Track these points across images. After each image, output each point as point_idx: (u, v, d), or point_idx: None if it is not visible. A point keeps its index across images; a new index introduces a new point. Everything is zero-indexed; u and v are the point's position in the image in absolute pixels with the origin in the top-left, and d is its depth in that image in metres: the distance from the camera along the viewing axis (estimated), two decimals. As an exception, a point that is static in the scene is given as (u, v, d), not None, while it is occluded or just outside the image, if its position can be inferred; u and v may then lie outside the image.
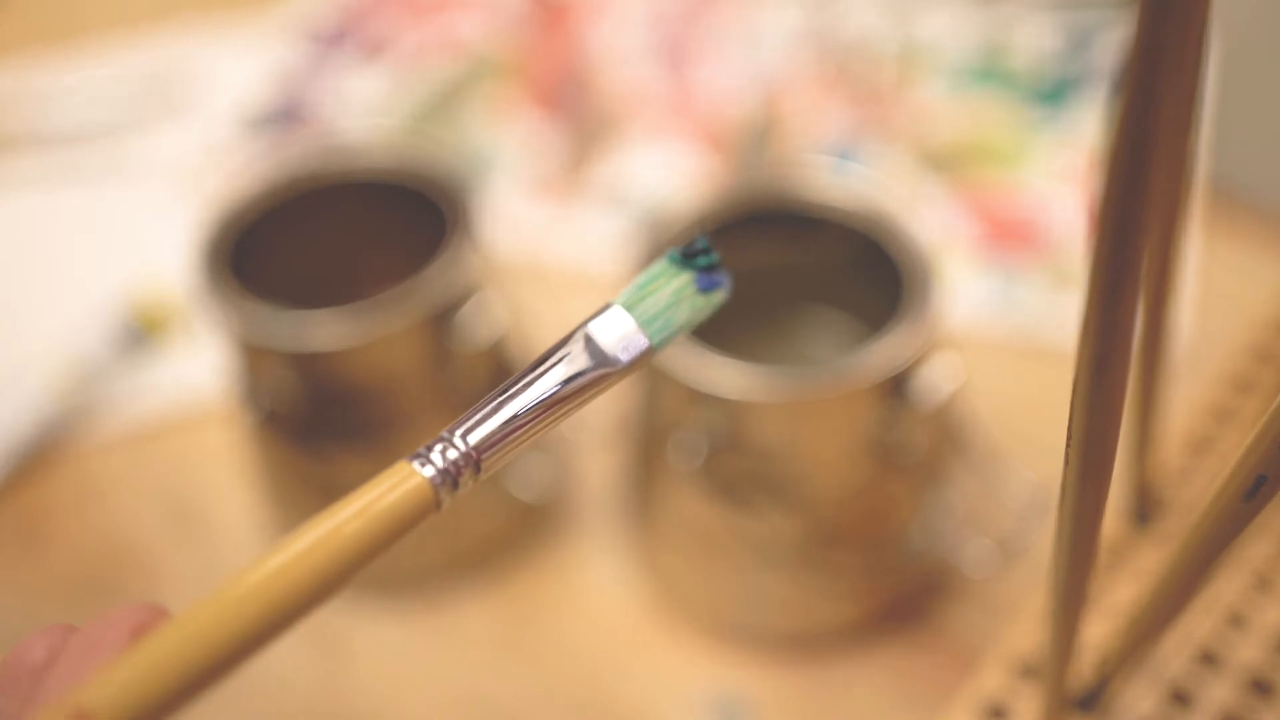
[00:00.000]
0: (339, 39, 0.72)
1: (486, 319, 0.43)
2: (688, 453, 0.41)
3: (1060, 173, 0.61)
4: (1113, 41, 0.66)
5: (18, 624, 0.47)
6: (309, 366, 0.42)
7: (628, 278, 0.27)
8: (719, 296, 0.29)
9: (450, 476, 0.24)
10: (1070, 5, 0.68)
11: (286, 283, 0.45)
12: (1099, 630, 0.35)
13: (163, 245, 0.59)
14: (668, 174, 0.63)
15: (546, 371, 0.26)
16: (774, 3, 0.70)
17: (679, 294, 0.28)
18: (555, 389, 0.26)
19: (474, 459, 0.24)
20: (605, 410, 0.50)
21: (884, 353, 0.39)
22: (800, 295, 0.48)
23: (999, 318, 0.56)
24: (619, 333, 0.27)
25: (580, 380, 0.26)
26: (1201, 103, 0.26)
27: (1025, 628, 0.36)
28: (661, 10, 0.71)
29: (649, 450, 0.44)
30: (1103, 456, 0.23)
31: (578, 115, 0.66)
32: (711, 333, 0.41)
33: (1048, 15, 0.68)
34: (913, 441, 0.41)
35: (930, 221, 0.58)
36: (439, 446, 0.24)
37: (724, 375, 0.39)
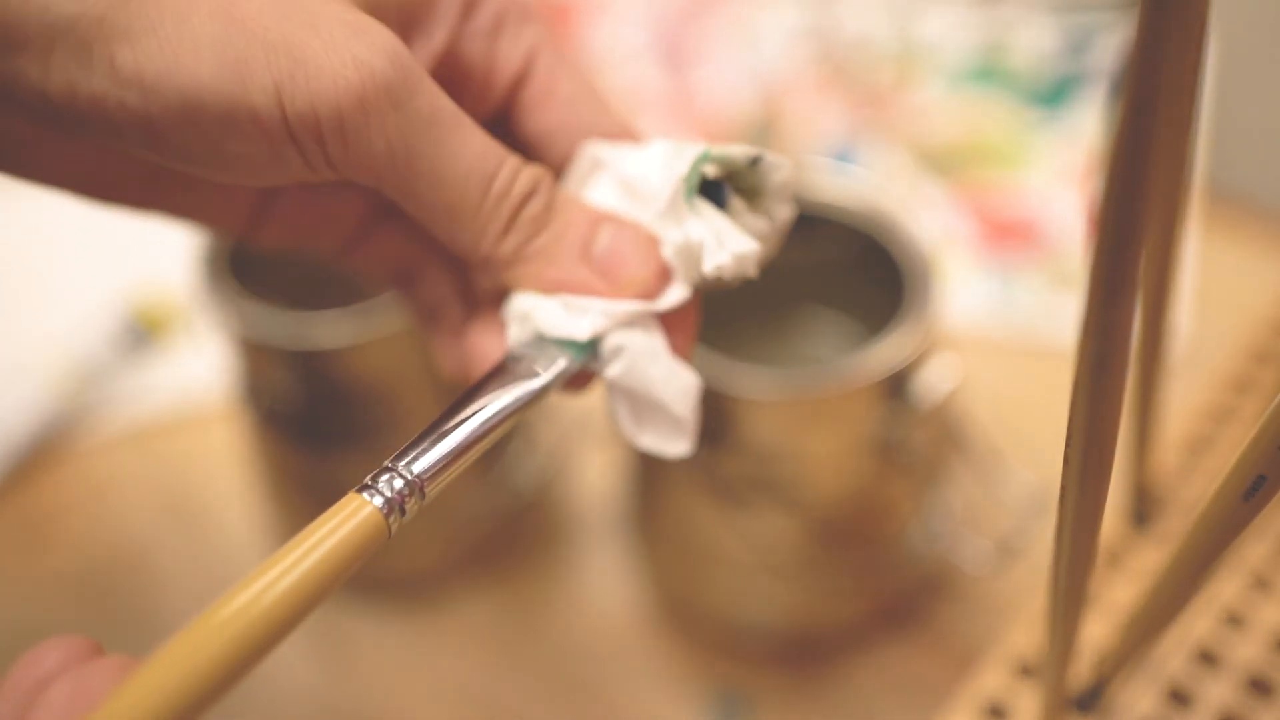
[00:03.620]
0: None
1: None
2: (689, 456, 0.41)
3: (1060, 173, 0.61)
4: (1112, 42, 0.67)
5: (18, 623, 0.47)
6: (310, 366, 0.42)
7: None
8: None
9: (397, 505, 0.25)
10: (1070, 6, 0.68)
11: (288, 282, 0.45)
12: (1098, 630, 0.35)
13: (164, 245, 0.59)
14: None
15: (477, 395, 0.27)
16: (774, 3, 0.70)
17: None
18: (486, 411, 0.27)
19: (419, 486, 0.25)
20: (605, 413, 0.50)
21: (883, 353, 0.39)
22: (800, 295, 0.48)
23: (998, 318, 0.56)
24: (543, 351, 0.28)
25: (508, 397, 0.27)
26: (1201, 103, 0.26)
27: (1025, 627, 0.36)
28: (661, 10, 0.71)
29: (650, 455, 0.44)
30: (1102, 457, 0.23)
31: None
32: (712, 333, 0.41)
33: (1047, 16, 0.68)
34: (912, 441, 0.41)
35: (929, 222, 0.58)
36: (385, 476, 0.25)
37: (724, 375, 0.39)
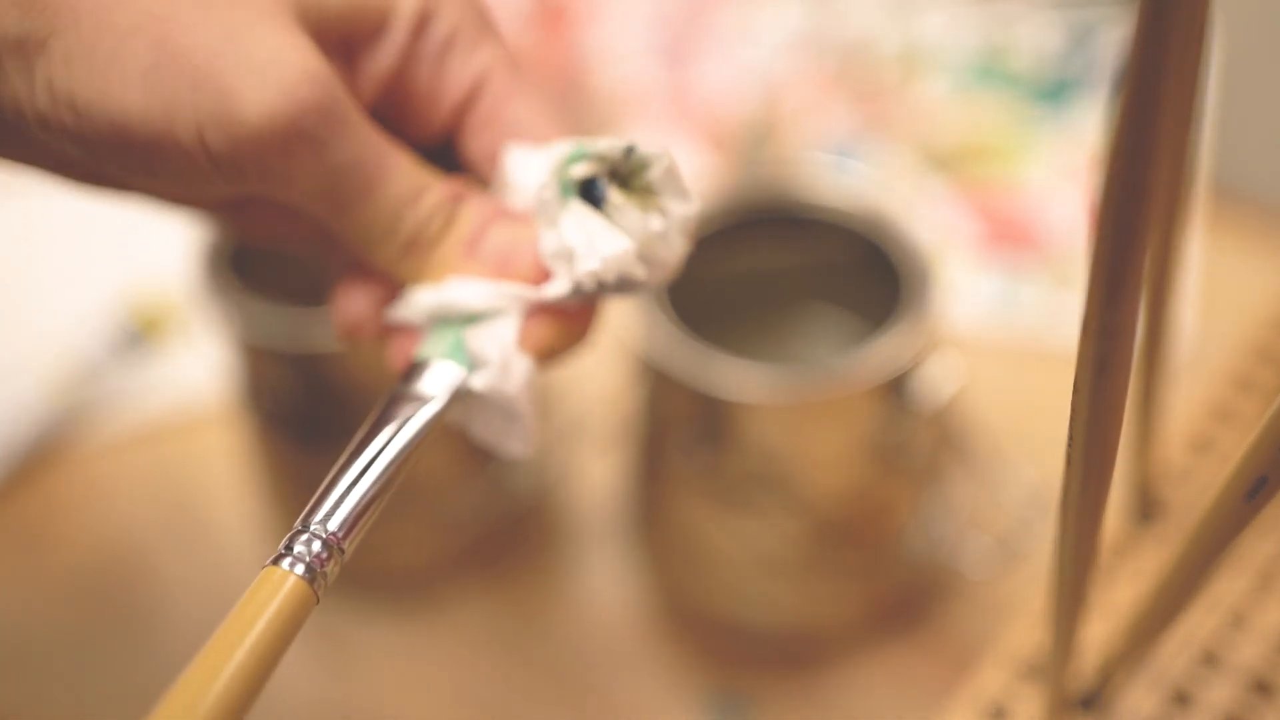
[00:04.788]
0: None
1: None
2: (688, 454, 0.41)
3: (1063, 171, 0.61)
4: (1115, 38, 0.66)
5: (17, 626, 0.47)
6: (311, 367, 0.42)
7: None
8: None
9: (319, 570, 0.24)
10: (1071, 3, 0.68)
11: (288, 282, 0.45)
12: (1100, 630, 0.35)
13: (160, 245, 0.59)
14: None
15: (375, 435, 0.26)
16: (774, 2, 0.70)
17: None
18: (391, 449, 0.26)
19: (337, 543, 0.24)
20: (605, 413, 0.50)
21: (885, 354, 0.39)
22: (802, 297, 0.47)
23: (1001, 318, 0.56)
24: (435, 370, 0.27)
25: (410, 429, 0.26)
26: (1204, 100, 0.26)
27: (1025, 628, 0.36)
28: (661, 9, 0.71)
29: (650, 452, 0.44)
30: (1103, 458, 0.23)
31: (576, 114, 0.66)
32: (714, 335, 0.41)
33: (1049, 12, 0.68)
34: (914, 442, 0.41)
35: (931, 221, 0.58)
36: (299, 541, 0.24)
37: (726, 377, 0.39)
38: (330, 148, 0.26)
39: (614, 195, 0.27)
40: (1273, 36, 0.59)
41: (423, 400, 0.27)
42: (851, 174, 0.61)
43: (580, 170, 0.27)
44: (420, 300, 0.28)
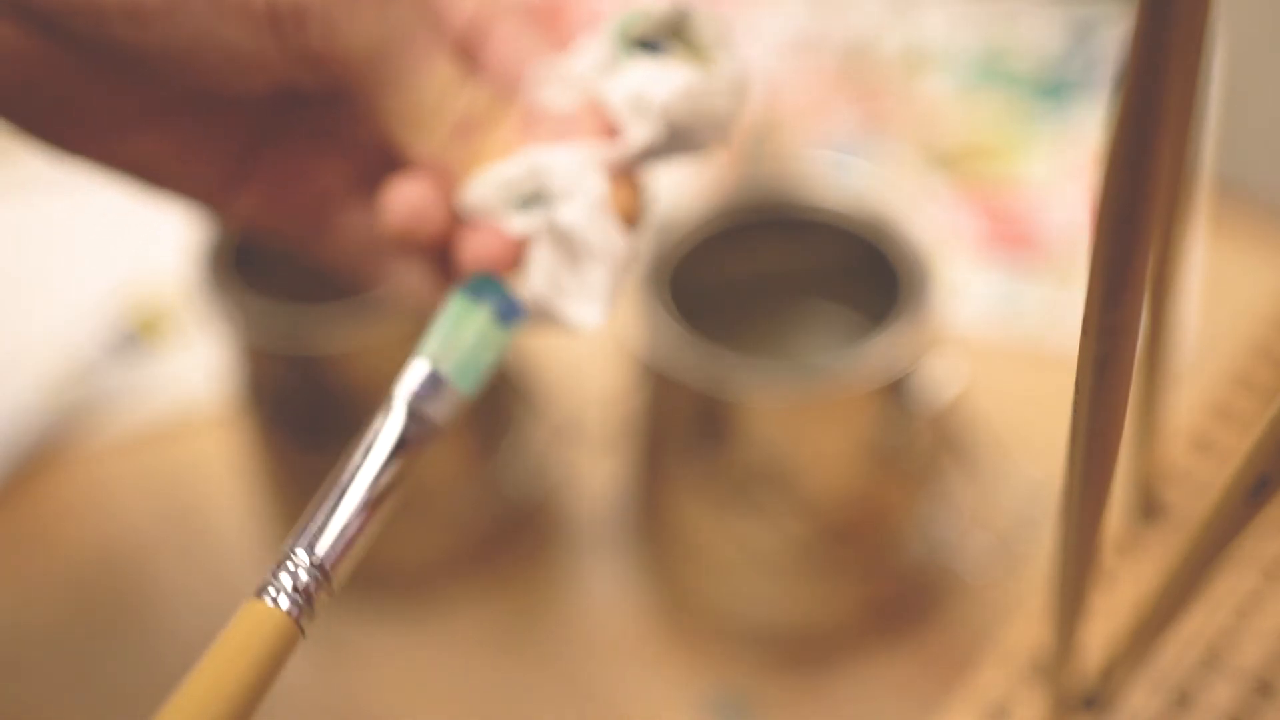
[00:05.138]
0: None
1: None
2: (689, 455, 0.41)
3: (1065, 169, 0.61)
4: (1116, 36, 0.66)
5: (14, 630, 0.47)
6: (315, 368, 0.42)
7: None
8: (518, 323, 0.27)
9: (306, 603, 0.22)
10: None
11: (292, 282, 0.45)
12: (1103, 629, 0.34)
13: (156, 246, 0.59)
14: (667, 173, 0.62)
15: (369, 455, 0.24)
16: (775, 1, 0.70)
17: (482, 334, 0.27)
18: (383, 471, 0.24)
19: (325, 574, 0.23)
20: (606, 415, 0.50)
21: (886, 355, 0.39)
22: (804, 298, 0.47)
23: (1003, 319, 0.56)
24: (432, 391, 0.26)
25: (403, 453, 0.25)
26: (1206, 97, 0.26)
27: (1026, 628, 0.36)
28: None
29: (650, 453, 0.44)
30: (1105, 458, 0.22)
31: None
32: (715, 336, 0.40)
33: (1050, 10, 0.68)
34: (915, 443, 0.41)
35: (933, 220, 0.58)
36: (284, 573, 0.22)
37: (727, 378, 0.38)
38: (395, 4, 0.27)
39: (673, 47, 0.28)
40: (1277, 34, 0.59)
41: (423, 421, 0.25)
42: (853, 172, 0.61)
43: (639, 28, 0.28)
44: (496, 175, 0.28)
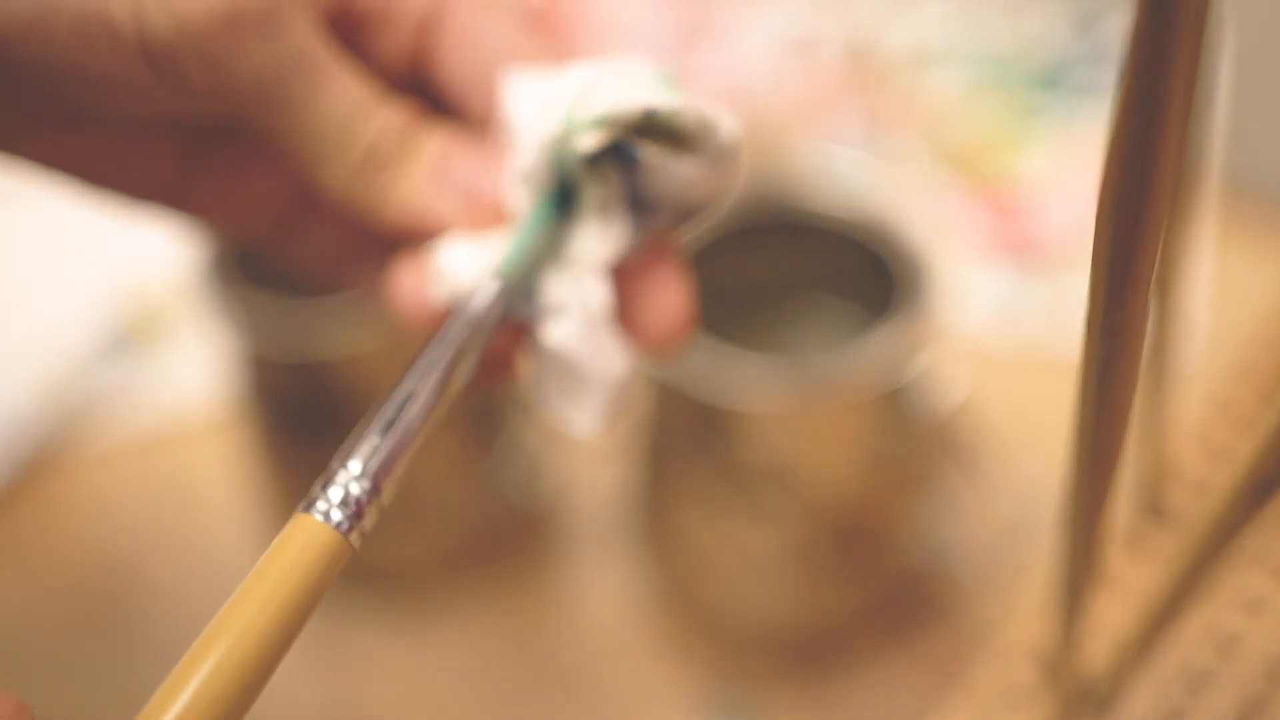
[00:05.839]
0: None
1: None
2: (690, 460, 0.41)
3: (1071, 164, 0.61)
4: (1120, 27, 0.66)
5: (10, 637, 0.47)
6: (318, 373, 0.42)
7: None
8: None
9: (355, 517, 0.22)
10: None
11: (295, 286, 0.44)
12: (1109, 629, 0.34)
13: (152, 247, 0.58)
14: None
15: (413, 370, 0.24)
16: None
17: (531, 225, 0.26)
18: (430, 379, 0.24)
19: (376, 488, 0.22)
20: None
21: (890, 360, 0.38)
22: (807, 303, 0.47)
23: (1007, 319, 0.55)
24: (485, 303, 0.25)
25: (448, 351, 0.24)
26: (1214, 92, 0.25)
27: (1026, 628, 0.35)
28: (663, 7, 0.71)
29: (651, 462, 0.43)
30: (1108, 461, 0.22)
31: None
32: (714, 327, 0.40)
33: (1053, 3, 0.67)
34: (919, 448, 0.41)
35: (938, 218, 0.58)
36: (335, 487, 0.22)
37: (730, 383, 0.38)
38: (281, 30, 0.24)
39: (648, 153, 0.25)
40: (1284, 26, 0.58)
41: (466, 319, 0.24)
42: (857, 169, 0.60)
43: (589, 142, 0.25)
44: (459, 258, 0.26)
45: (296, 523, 0.21)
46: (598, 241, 0.26)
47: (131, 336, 0.56)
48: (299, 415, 0.43)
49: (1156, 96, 0.16)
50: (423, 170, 0.27)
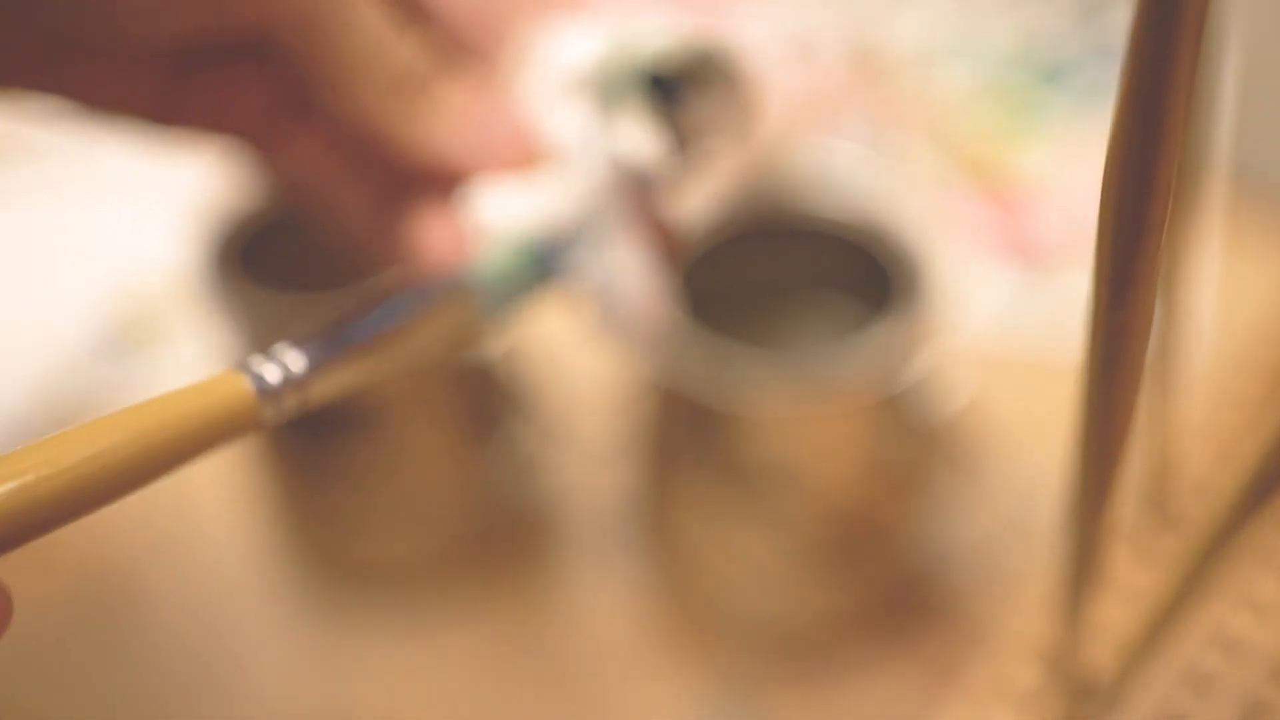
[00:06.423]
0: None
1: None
2: (690, 462, 0.41)
3: (1074, 161, 0.60)
4: (1124, 18, 0.65)
5: (9, 644, 0.47)
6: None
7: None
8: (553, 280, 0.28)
9: (277, 389, 0.22)
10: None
11: (299, 283, 0.44)
12: (1114, 628, 0.34)
13: (148, 249, 0.58)
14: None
15: (387, 298, 0.25)
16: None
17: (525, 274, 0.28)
18: (392, 314, 0.24)
19: (302, 381, 0.23)
20: (605, 427, 0.49)
21: (889, 359, 0.38)
22: (809, 306, 0.47)
23: (1010, 319, 0.55)
24: (464, 282, 0.26)
25: (406, 313, 0.25)
26: (1217, 85, 0.25)
27: (1026, 629, 0.35)
28: (663, 5, 0.70)
29: (650, 463, 0.43)
30: (1110, 463, 0.22)
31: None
32: (713, 325, 0.40)
33: None
34: (920, 450, 0.41)
35: (942, 217, 0.58)
36: (270, 361, 0.23)
37: (732, 388, 0.38)
38: None
39: (683, 86, 0.27)
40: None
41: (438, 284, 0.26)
42: (859, 167, 0.60)
43: (652, 65, 0.27)
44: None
45: (221, 374, 0.22)
46: (641, 144, 0.27)
47: (126, 337, 0.56)
48: (299, 419, 0.43)
49: (1159, 92, 0.16)
50: (452, 110, 0.27)
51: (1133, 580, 0.36)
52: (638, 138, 0.27)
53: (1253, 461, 0.22)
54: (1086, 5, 0.67)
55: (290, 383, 0.22)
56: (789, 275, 0.45)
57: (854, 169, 0.60)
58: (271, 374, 0.22)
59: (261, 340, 0.40)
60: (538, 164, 0.27)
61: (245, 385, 0.22)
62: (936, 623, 0.45)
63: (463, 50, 0.28)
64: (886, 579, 0.44)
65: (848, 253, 0.43)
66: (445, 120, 0.27)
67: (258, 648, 0.45)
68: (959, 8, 0.68)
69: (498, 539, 0.48)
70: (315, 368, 0.23)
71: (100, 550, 0.50)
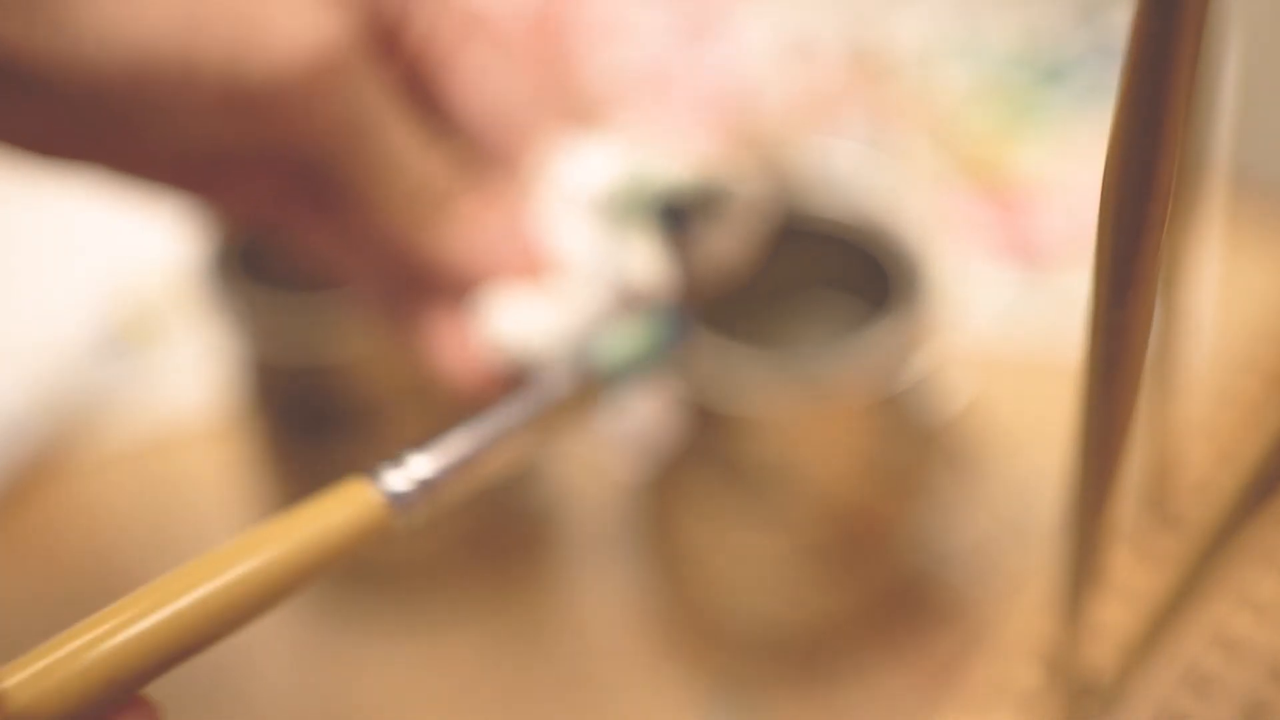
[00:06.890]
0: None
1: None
2: (691, 466, 0.41)
3: (1074, 161, 0.60)
4: (1124, 18, 0.65)
5: (7, 645, 0.47)
6: (322, 377, 0.41)
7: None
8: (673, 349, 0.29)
9: (409, 495, 0.22)
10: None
11: (299, 283, 0.44)
12: (1115, 627, 0.34)
13: (146, 250, 0.58)
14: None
15: (507, 405, 0.25)
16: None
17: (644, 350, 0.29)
18: (519, 413, 0.25)
19: (436, 483, 0.22)
20: (605, 427, 0.49)
21: (889, 358, 0.38)
22: (813, 304, 0.47)
23: (1010, 320, 0.55)
24: (584, 371, 0.27)
25: (531, 402, 0.25)
26: (1217, 84, 0.25)
27: (1026, 629, 0.35)
28: (664, 4, 0.70)
29: (650, 467, 0.43)
30: (1110, 463, 0.22)
31: (568, 105, 0.65)
32: (713, 324, 0.40)
33: None
34: (921, 452, 0.40)
35: (942, 217, 0.57)
36: (395, 468, 0.22)
37: (733, 389, 0.38)
38: (359, 82, 0.26)
39: (693, 218, 0.28)
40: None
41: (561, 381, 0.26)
42: (859, 166, 0.60)
43: (668, 196, 0.27)
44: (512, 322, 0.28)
45: (349, 482, 0.22)
46: (648, 268, 0.28)
47: (126, 337, 0.56)
48: (300, 417, 0.43)
49: (1159, 92, 0.16)
50: (464, 221, 0.28)
51: (1133, 580, 0.36)
52: (644, 262, 0.27)
53: (1253, 461, 0.22)
54: (1086, 5, 0.66)
55: (422, 490, 0.22)
56: (789, 275, 0.45)
57: (854, 169, 0.60)
58: (400, 482, 0.22)
59: (261, 340, 0.41)
60: (544, 276, 0.28)
61: (377, 498, 0.21)
62: (936, 623, 0.45)
63: (486, 159, 0.29)
64: (886, 579, 0.44)
65: (848, 253, 0.43)
66: (457, 231, 0.28)
67: (257, 647, 0.45)
68: (959, 8, 0.67)
69: (498, 539, 0.48)
70: (445, 472, 0.23)
71: (100, 550, 0.50)
